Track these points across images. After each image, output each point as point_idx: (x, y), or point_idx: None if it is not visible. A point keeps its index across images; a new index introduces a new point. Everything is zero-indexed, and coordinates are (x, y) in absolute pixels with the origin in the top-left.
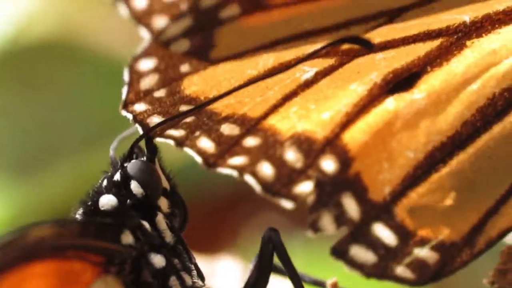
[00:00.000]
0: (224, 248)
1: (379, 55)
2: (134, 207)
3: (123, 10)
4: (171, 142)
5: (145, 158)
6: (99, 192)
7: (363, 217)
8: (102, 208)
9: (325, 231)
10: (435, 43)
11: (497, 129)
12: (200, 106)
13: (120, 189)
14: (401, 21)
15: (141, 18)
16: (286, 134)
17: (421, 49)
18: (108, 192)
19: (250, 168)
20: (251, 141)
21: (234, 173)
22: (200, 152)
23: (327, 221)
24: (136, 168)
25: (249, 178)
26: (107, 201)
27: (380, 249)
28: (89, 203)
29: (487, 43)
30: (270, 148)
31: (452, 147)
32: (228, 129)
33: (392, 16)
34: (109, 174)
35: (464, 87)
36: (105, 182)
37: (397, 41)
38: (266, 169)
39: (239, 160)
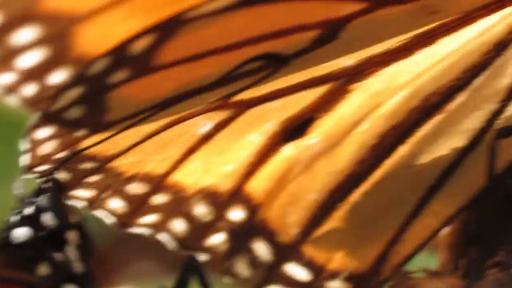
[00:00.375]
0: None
1: (271, 105)
2: (48, 238)
3: (13, 101)
4: (84, 203)
5: (55, 192)
6: (13, 226)
7: (276, 259)
8: (17, 241)
9: (240, 276)
10: (322, 89)
11: (389, 164)
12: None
13: (33, 221)
14: (287, 70)
15: (32, 104)
16: (192, 189)
17: (310, 96)
18: (22, 225)
19: (162, 226)
20: (159, 199)
21: (149, 232)
22: (112, 212)
23: (241, 266)
24: (49, 201)
25: (163, 237)
26: (22, 233)
27: (296, 286)
28: (4, 237)
29: (371, 86)
30: (179, 204)
31: (350, 184)
32: (135, 187)
33: (276, 66)
34: (21, 208)
35: (355, 128)
36: (18, 216)
37: (286, 89)
38: (179, 225)
39: (151, 218)
